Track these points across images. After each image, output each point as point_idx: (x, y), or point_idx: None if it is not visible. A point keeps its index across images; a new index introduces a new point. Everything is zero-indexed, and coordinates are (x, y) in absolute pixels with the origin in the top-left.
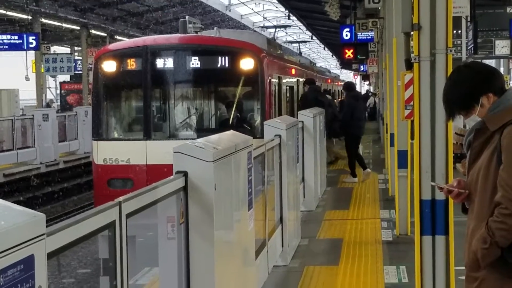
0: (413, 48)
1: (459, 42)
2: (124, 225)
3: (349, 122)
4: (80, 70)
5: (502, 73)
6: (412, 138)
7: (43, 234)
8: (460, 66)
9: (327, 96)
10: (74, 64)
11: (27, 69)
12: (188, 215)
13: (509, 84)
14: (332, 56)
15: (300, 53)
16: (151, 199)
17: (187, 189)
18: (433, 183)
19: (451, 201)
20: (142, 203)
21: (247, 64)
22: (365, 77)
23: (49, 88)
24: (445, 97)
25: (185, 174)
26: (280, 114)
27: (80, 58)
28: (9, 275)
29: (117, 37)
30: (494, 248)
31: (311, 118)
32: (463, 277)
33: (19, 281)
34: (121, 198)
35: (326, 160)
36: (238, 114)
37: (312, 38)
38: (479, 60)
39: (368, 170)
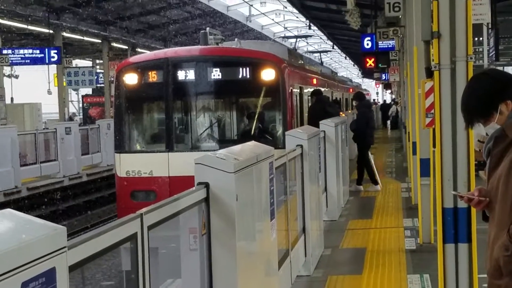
0: (433, 56)
1: (480, 49)
2: (146, 237)
3: (365, 131)
4: (102, 83)
5: None
6: (434, 146)
7: (64, 247)
8: (478, 74)
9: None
10: (96, 77)
11: (49, 83)
12: (210, 226)
13: None
14: (353, 65)
15: (322, 63)
16: (172, 210)
17: (208, 200)
18: (453, 192)
19: (473, 209)
20: (164, 215)
21: (268, 74)
22: (387, 85)
23: (71, 101)
24: (463, 105)
25: (206, 185)
26: (302, 124)
27: (102, 71)
28: (30, 287)
29: (139, 50)
30: None
31: (333, 128)
32: (486, 285)
33: None
34: (142, 210)
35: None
36: (259, 124)
37: (333, 48)
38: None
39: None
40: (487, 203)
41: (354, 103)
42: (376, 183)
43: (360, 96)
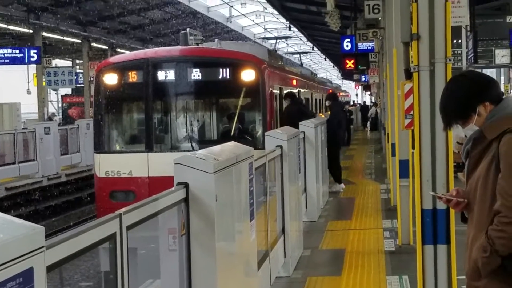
0: (412, 57)
1: (459, 51)
2: (125, 237)
3: (337, 131)
4: (82, 83)
5: (503, 82)
6: (413, 147)
7: (43, 247)
8: (456, 76)
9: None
10: (75, 77)
11: (28, 82)
12: (190, 226)
13: (510, 92)
14: (333, 66)
15: (301, 64)
16: (152, 211)
17: (188, 200)
18: (432, 193)
19: (452, 210)
20: (143, 215)
21: (248, 75)
22: (366, 87)
23: (50, 101)
24: (442, 106)
25: (186, 185)
26: (281, 125)
27: (82, 71)
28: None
29: (119, 50)
30: (494, 256)
31: (312, 129)
32: (465, 287)
33: None
34: (121, 210)
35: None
36: (239, 125)
37: (313, 49)
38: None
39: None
40: (466, 204)
41: (327, 103)
42: (340, 182)
43: (333, 96)
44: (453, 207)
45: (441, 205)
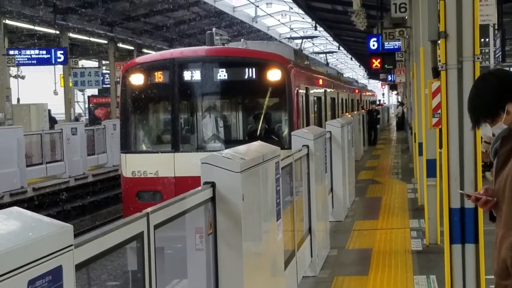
0: (440, 56)
1: (486, 50)
2: (152, 236)
3: None
4: (108, 84)
5: None
6: (441, 147)
7: (71, 245)
8: (485, 74)
9: None
10: (102, 78)
11: (55, 83)
12: (216, 226)
13: None
14: (359, 66)
15: (327, 64)
16: (179, 210)
17: (215, 199)
18: (460, 191)
19: (480, 209)
20: (170, 214)
21: (274, 75)
22: (392, 87)
23: (77, 102)
24: (470, 105)
25: (212, 185)
26: (308, 125)
27: (108, 71)
28: (37, 286)
29: (145, 50)
30: None
31: (339, 128)
32: (494, 286)
33: None
34: (149, 209)
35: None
36: (265, 125)
37: (339, 49)
38: (508, 68)
39: None
40: (494, 203)
41: None
42: None
43: None
44: (482, 206)
45: (469, 204)
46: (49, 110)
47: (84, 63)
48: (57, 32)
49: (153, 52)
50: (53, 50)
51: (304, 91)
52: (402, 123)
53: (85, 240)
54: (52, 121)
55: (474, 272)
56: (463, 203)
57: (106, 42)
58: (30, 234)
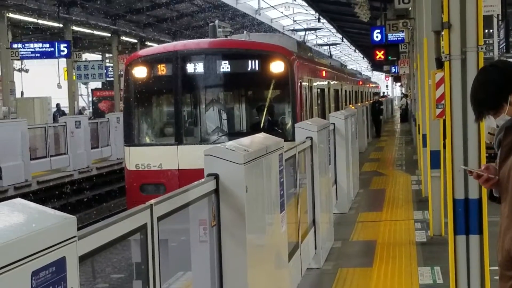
0: (443, 47)
1: (490, 41)
2: (156, 228)
3: None
4: (112, 77)
5: None
6: (445, 138)
7: (75, 237)
8: (487, 66)
9: None
10: (105, 71)
11: (59, 76)
12: (220, 217)
13: None
14: (363, 58)
15: (331, 56)
16: (182, 202)
17: (218, 191)
18: (463, 167)
19: (484, 200)
20: (174, 206)
21: (277, 67)
22: (396, 78)
23: (81, 95)
24: (473, 98)
25: (216, 176)
26: (311, 117)
27: (111, 64)
28: (41, 277)
29: (148, 43)
30: None
31: (342, 120)
32: (498, 277)
33: (51, 283)
34: (152, 201)
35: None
36: (269, 117)
37: (342, 41)
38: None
39: None
40: (496, 182)
41: None
42: None
43: None
44: (483, 183)
45: (473, 195)
46: (58, 104)
47: (87, 56)
48: (61, 25)
49: (156, 45)
50: (56, 43)
51: (308, 83)
52: (406, 115)
53: (89, 231)
54: (62, 115)
55: (479, 263)
56: (467, 194)
57: (109, 35)
58: (34, 225)
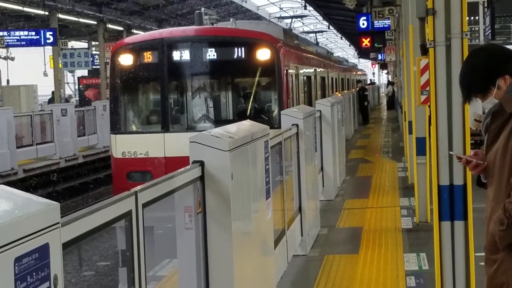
0: (428, 33)
1: (476, 28)
2: (140, 215)
3: None
4: (98, 65)
5: None
6: (430, 124)
7: (58, 223)
8: (476, 49)
9: None
10: (91, 59)
11: (45, 64)
12: (206, 204)
13: None
14: (349, 45)
15: (317, 43)
16: (167, 188)
17: (203, 178)
18: (451, 152)
19: (469, 186)
20: (159, 193)
21: (263, 54)
22: (383, 65)
23: (67, 83)
24: (461, 80)
25: (201, 163)
26: (297, 104)
27: (98, 52)
28: (24, 263)
29: (134, 31)
30: (511, 230)
31: (328, 107)
32: (483, 263)
33: (34, 270)
34: (137, 188)
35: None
36: (255, 104)
37: (329, 28)
38: None
39: None
40: (484, 167)
41: None
42: None
43: None
44: (471, 169)
45: (458, 181)
46: (54, 92)
47: (73, 44)
48: (46, 13)
49: (142, 33)
50: (42, 31)
51: (294, 71)
52: (393, 102)
53: (73, 218)
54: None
55: (464, 249)
56: (452, 181)
57: (95, 23)
58: (16, 211)
